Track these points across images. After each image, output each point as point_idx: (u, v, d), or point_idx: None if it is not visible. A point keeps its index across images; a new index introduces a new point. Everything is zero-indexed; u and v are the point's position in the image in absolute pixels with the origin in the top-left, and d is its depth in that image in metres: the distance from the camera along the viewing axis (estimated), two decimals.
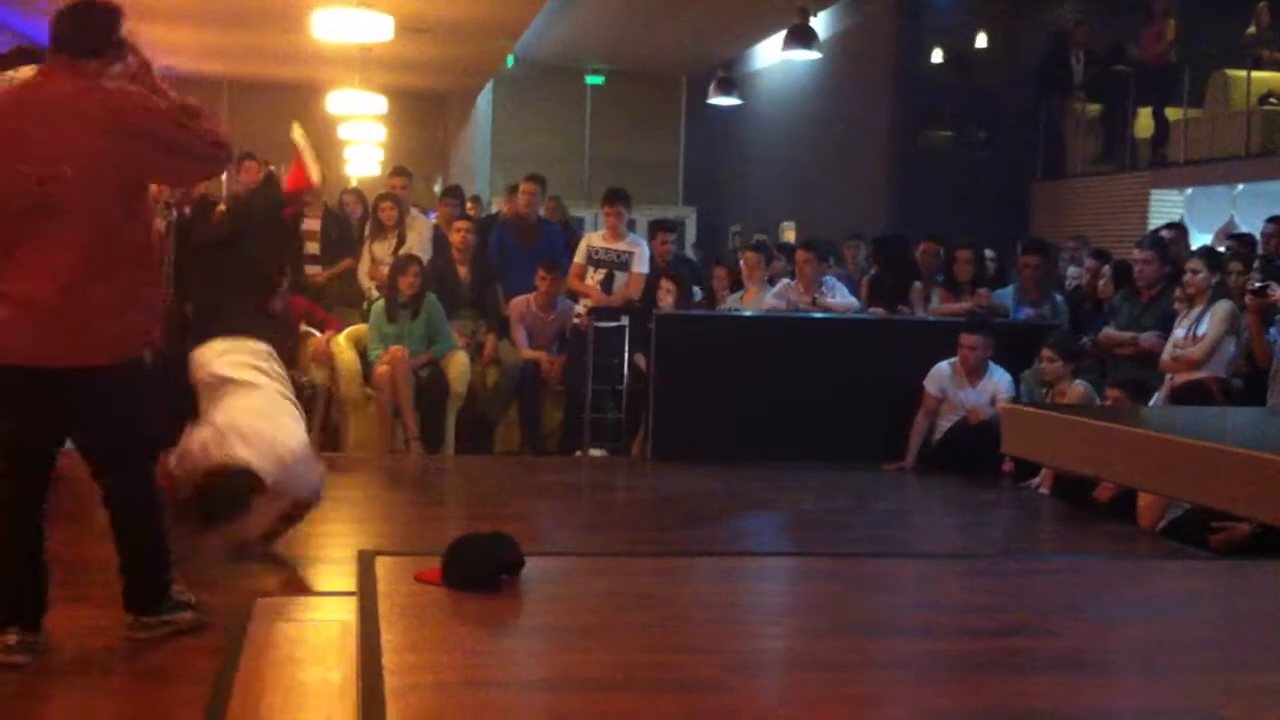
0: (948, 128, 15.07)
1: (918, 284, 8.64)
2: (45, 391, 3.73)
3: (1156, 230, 9.42)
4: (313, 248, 9.25)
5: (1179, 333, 6.78)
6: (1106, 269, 8.30)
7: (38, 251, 3.68)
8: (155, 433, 4.17)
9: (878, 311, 8.36)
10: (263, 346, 5.28)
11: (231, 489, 4.79)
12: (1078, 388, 6.94)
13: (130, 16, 3.90)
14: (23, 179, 3.66)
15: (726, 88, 16.10)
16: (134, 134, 3.75)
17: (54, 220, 3.67)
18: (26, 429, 3.79)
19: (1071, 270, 9.68)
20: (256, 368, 5.20)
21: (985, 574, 5.20)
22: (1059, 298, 8.50)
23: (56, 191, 3.65)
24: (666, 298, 8.28)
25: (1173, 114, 12.24)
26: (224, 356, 5.17)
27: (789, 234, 15.47)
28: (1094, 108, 13.36)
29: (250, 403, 5.05)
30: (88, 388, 3.75)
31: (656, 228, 9.56)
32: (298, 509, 5.15)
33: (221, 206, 8.47)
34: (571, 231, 10.19)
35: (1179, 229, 9.20)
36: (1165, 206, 11.92)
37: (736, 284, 9.00)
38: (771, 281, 8.80)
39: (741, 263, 9.06)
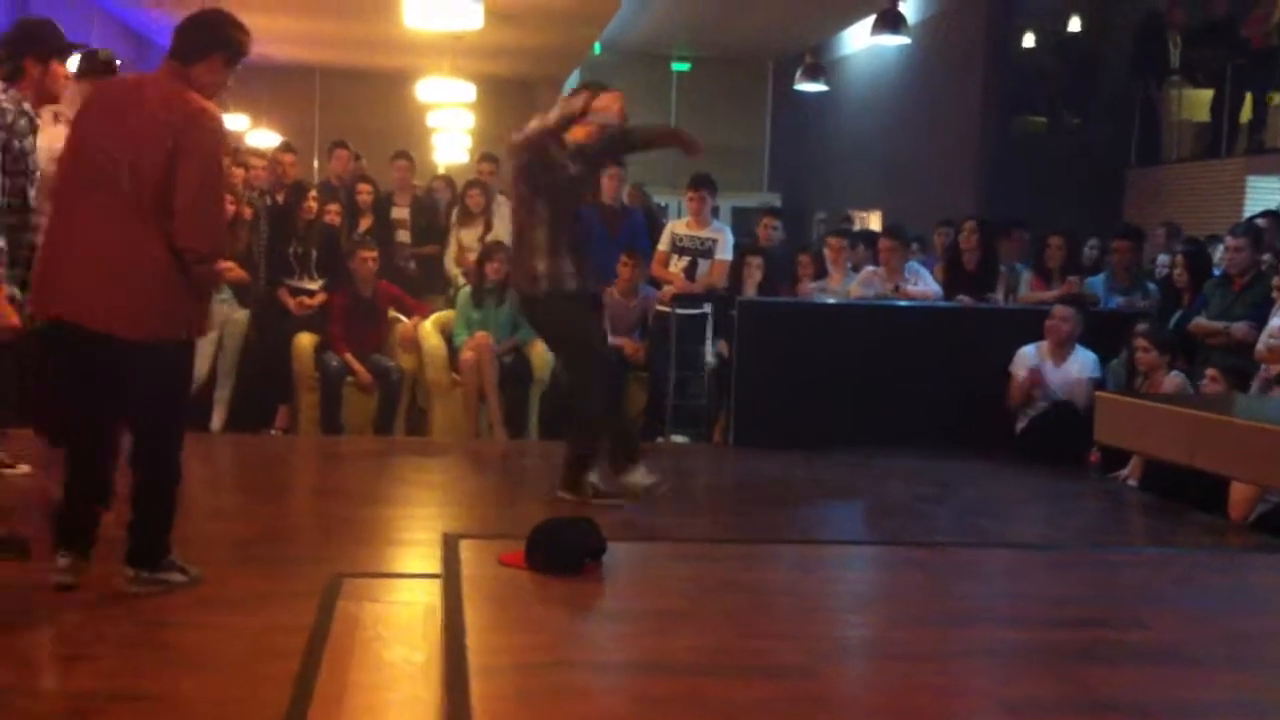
0: (1040, 113, 14.85)
1: (1002, 269, 8.57)
2: (92, 350, 4.04)
3: (1251, 217, 9.22)
4: (403, 235, 9.37)
5: (1275, 321, 6.64)
6: (1178, 257, 8.11)
7: (93, 221, 4.03)
8: (187, 412, 4.50)
9: (963, 300, 8.28)
10: None
11: None
12: (1175, 379, 6.81)
13: (228, 3, 4.05)
14: (97, 155, 4.04)
15: (813, 73, 15.99)
16: (179, 142, 4.00)
17: (111, 197, 4.01)
18: (81, 382, 4.11)
19: (1161, 258, 9.51)
20: None
21: (1072, 565, 5.14)
22: (1151, 285, 8.36)
23: (115, 173, 3.99)
24: (755, 274, 8.28)
25: (1273, 98, 11.96)
26: None
27: (874, 222, 15.36)
28: (1191, 92, 13.09)
29: None
30: (126, 356, 4.03)
31: (763, 213, 9.60)
32: None
33: (313, 193, 8.63)
34: (655, 218, 10.21)
35: (1274, 216, 9.00)
36: (1262, 194, 11.66)
37: (821, 271, 8.96)
38: (856, 268, 8.76)
39: (826, 249, 9.02)
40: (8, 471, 5.67)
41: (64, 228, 4.11)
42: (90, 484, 4.17)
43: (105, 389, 4.11)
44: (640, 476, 5.71)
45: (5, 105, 4.83)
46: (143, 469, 4.15)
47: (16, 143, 4.83)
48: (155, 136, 3.99)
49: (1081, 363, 7.38)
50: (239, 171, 8.26)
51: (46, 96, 5.14)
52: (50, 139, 5.14)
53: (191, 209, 4.00)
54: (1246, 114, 12.20)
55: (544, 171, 5.65)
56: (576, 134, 5.70)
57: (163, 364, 4.11)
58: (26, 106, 4.92)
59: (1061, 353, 7.44)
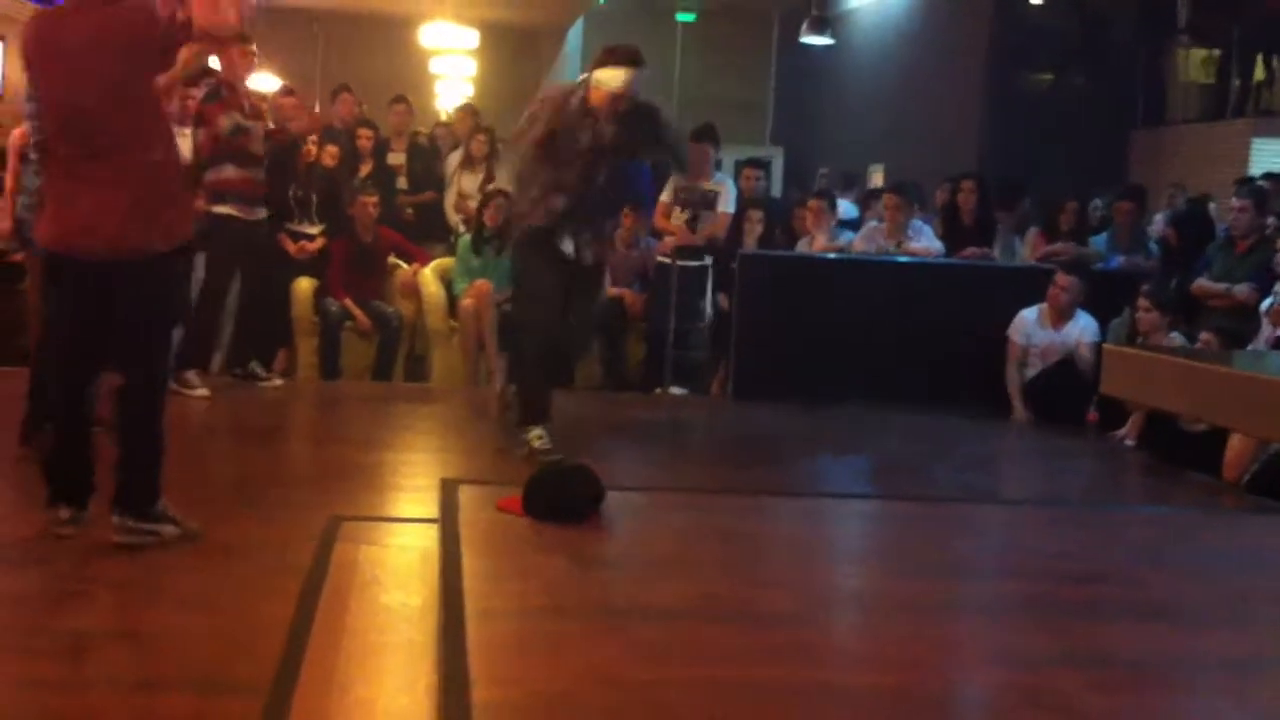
0: (1046, 71, 14.76)
1: (1000, 227, 8.55)
2: (89, 283, 4.03)
3: (1254, 179, 9.18)
4: (400, 183, 9.33)
5: None
6: (1158, 218, 8.06)
7: (73, 163, 4.05)
8: (171, 335, 4.50)
9: (970, 253, 8.25)
10: None
11: None
12: (1173, 341, 6.80)
13: None
14: (54, 105, 4.07)
15: (819, 27, 15.85)
16: (144, 51, 3.98)
17: (83, 141, 4.01)
18: (75, 316, 4.10)
19: (1156, 218, 9.46)
20: None
21: (1069, 522, 5.15)
22: (1153, 246, 8.34)
23: (78, 119, 3.99)
24: (755, 228, 8.24)
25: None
26: None
27: (878, 177, 15.28)
28: (1198, 53, 13.02)
29: None
30: (119, 279, 4.01)
31: (745, 164, 9.48)
32: None
33: (313, 138, 8.57)
34: (657, 170, 10.15)
35: (1277, 179, 8.96)
36: (1267, 156, 11.61)
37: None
38: (856, 228, 8.73)
39: (807, 211, 8.75)
40: None
41: (52, 162, 4.18)
42: (78, 427, 4.11)
43: (96, 320, 4.07)
44: (535, 438, 5.56)
45: None
46: (128, 397, 4.09)
47: None
48: (111, 64, 3.96)
49: (1082, 328, 7.36)
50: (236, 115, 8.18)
51: None
52: None
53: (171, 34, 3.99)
54: (1260, 74, 12.10)
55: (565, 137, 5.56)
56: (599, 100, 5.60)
57: (151, 280, 4.06)
58: None
59: (1061, 318, 7.41)
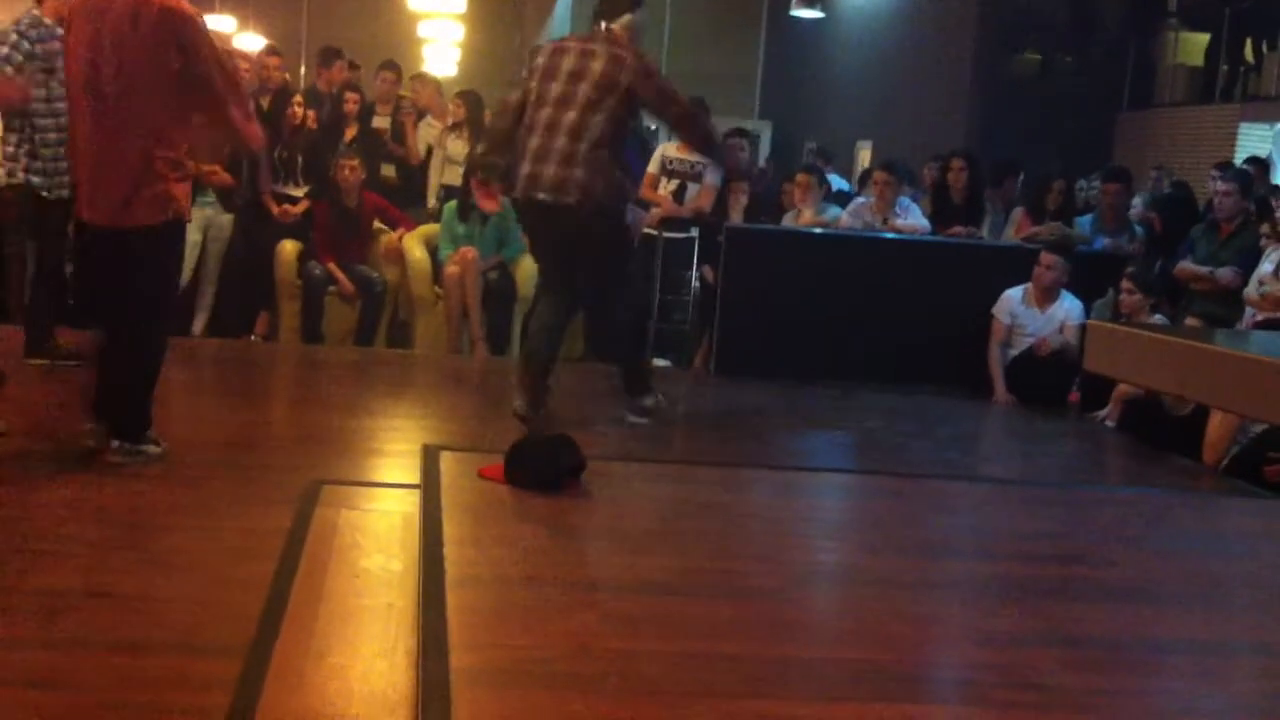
0: (1035, 52, 14.75)
1: (987, 206, 8.55)
2: (95, 243, 4.56)
3: (1235, 163, 9.20)
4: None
5: (1266, 268, 6.64)
6: (1136, 201, 8.07)
7: (88, 126, 4.52)
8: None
9: (958, 232, 8.25)
10: None
11: None
12: (1157, 322, 6.82)
13: None
14: (82, 69, 4.48)
15: (809, 0, 15.82)
16: (176, 45, 4.42)
17: (98, 102, 4.46)
18: (88, 275, 4.74)
19: (1135, 201, 9.46)
20: None
21: (1047, 502, 5.17)
22: (1138, 228, 8.35)
23: (100, 80, 4.43)
24: (740, 199, 8.23)
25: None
26: None
27: (865, 154, 15.27)
28: (1187, 36, 13.03)
29: None
30: (128, 244, 4.48)
31: (731, 135, 9.44)
32: None
33: (298, 98, 8.53)
34: (644, 141, 10.11)
35: (1261, 164, 8.98)
36: (1254, 140, 11.64)
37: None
38: (843, 204, 8.71)
39: (795, 186, 8.76)
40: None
41: (73, 135, 4.68)
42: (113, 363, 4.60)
43: (113, 280, 4.56)
44: (518, 400, 5.67)
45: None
46: (132, 345, 4.56)
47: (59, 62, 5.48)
48: (142, 41, 4.39)
49: (1067, 310, 7.37)
50: None
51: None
52: None
53: (225, 87, 4.51)
54: (1250, 57, 12.11)
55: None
56: None
57: (159, 245, 4.53)
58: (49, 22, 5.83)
59: (1046, 299, 7.42)
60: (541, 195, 5.47)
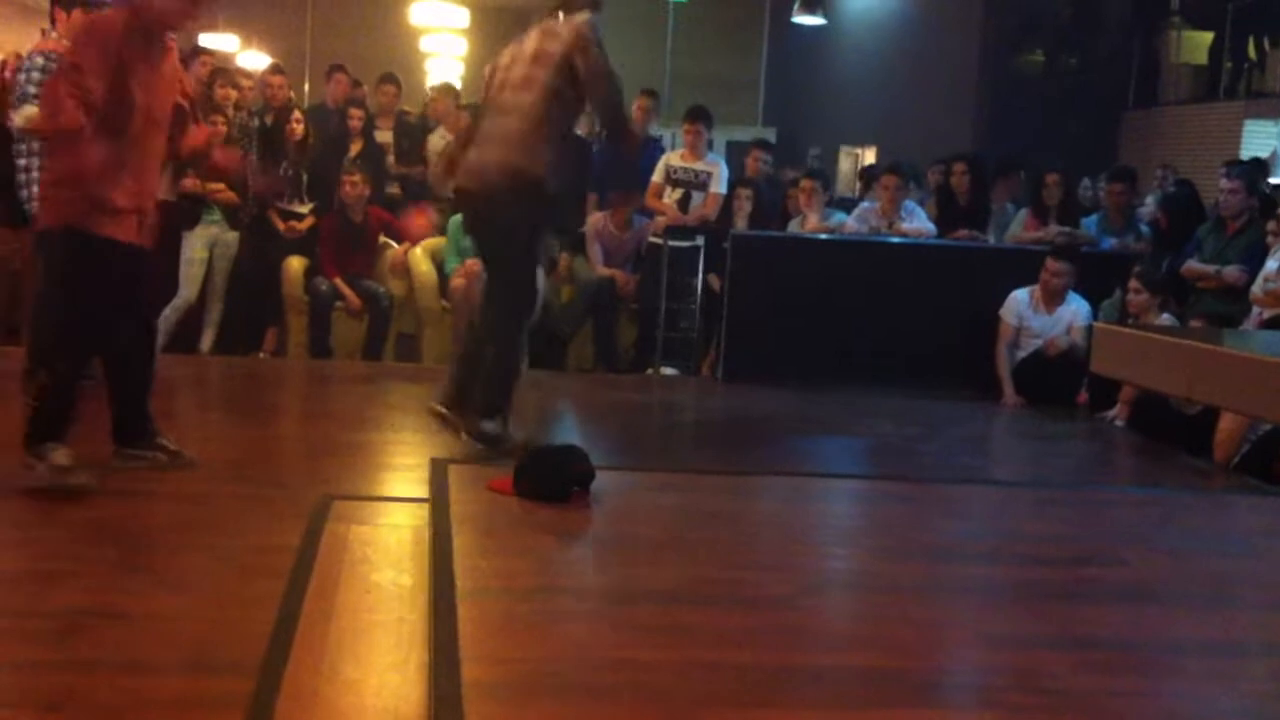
0: (1039, 53, 14.74)
1: (993, 207, 8.55)
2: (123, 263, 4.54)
3: (1243, 162, 9.18)
4: (389, 162, 9.28)
5: (1271, 265, 6.63)
6: (1148, 200, 8.05)
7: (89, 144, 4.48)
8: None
9: (963, 235, 8.25)
10: None
11: None
12: (1165, 322, 6.81)
13: None
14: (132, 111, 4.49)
15: (811, 6, 15.75)
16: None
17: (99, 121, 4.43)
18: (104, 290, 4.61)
19: (1148, 200, 9.46)
20: None
21: (1058, 503, 5.16)
22: (1144, 228, 8.34)
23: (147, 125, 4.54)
24: (745, 206, 8.23)
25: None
26: None
27: (869, 157, 15.27)
28: (1191, 34, 13.01)
29: None
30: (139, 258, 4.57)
31: (751, 145, 9.46)
32: None
33: (297, 114, 8.54)
34: (646, 149, 10.09)
35: (1260, 165, 8.96)
36: (1259, 138, 11.62)
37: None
38: (847, 210, 8.71)
39: (799, 192, 8.75)
40: None
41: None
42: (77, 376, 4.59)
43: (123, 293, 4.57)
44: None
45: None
46: (130, 345, 4.61)
47: None
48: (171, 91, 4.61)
49: (1074, 311, 7.36)
50: (230, 92, 8.17)
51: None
52: None
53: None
54: (1254, 54, 12.09)
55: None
56: None
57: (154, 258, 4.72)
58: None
59: (1054, 302, 7.41)
60: (461, 182, 5.33)
